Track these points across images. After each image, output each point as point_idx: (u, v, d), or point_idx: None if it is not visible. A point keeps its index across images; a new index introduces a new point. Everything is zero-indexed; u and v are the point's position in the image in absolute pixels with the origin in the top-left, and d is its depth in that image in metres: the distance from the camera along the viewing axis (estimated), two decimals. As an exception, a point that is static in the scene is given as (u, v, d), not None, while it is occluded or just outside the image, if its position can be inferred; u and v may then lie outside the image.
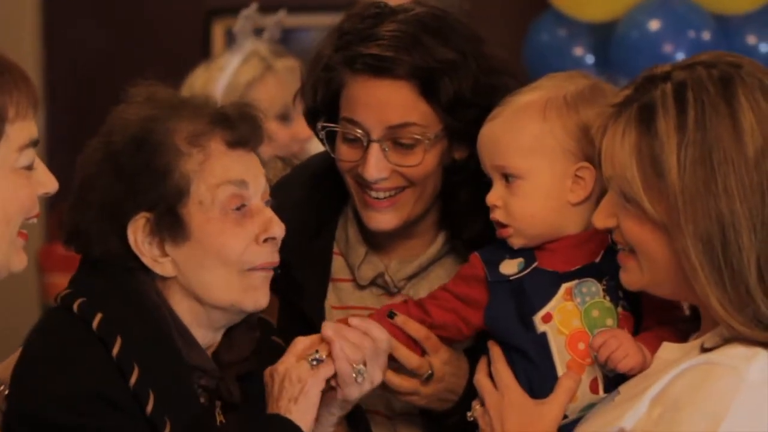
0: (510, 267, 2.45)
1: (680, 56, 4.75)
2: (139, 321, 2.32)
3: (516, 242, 2.45)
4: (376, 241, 2.70)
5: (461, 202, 2.64)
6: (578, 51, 5.27)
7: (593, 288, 2.39)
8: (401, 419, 2.68)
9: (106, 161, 2.35)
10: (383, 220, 2.61)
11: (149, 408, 2.26)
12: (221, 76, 4.19)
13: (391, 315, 2.50)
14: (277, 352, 2.48)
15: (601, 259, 2.41)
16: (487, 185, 2.49)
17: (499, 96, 2.52)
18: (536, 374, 2.38)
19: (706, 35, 5.02)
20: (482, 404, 2.44)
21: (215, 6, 6.28)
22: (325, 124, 2.63)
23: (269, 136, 2.47)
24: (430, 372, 2.51)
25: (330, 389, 2.34)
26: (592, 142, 2.31)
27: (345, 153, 2.61)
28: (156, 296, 2.36)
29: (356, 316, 2.48)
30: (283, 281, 2.52)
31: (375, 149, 2.56)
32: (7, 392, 2.34)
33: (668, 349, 2.27)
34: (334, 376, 2.32)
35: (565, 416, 2.36)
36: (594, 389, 2.36)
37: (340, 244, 2.73)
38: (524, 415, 2.37)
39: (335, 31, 2.62)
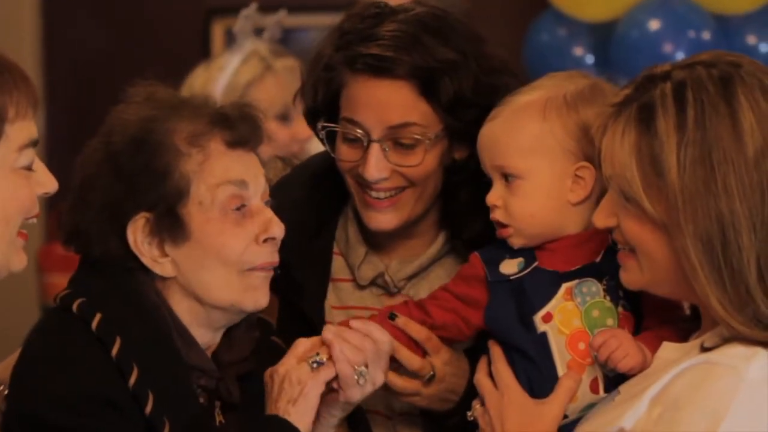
0: (510, 267, 2.45)
1: (680, 56, 4.74)
2: (138, 321, 2.32)
3: (516, 242, 2.45)
4: (377, 241, 2.70)
5: (461, 202, 2.64)
6: (578, 51, 5.27)
7: (593, 288, 2.39)
8: (401, 419, 2.68)
9: (106, 161, 2.35)
10: (383, 220, 2.61)
11: (148, 408, 2.26)
12: (221, 76, 4.19)
13: (392, 316, 2.50)
14: (277, 353, 2.48)
15: (601, 259, 2.41)
16: (487, 185, 2.49)
17: (499, 96, 2.52)
18: (536, 374, 2.38)
19: (706, 35, 5.01)
20: (482, 404, 2.44)
21: (215, 6, 6.28)
22: (326, 124, 2.63)
23: (269, 136, 2.47)
24: (431, 373, 2.51)
25: (332, 391, 2.34)
26: (592, 142, 2.31)
27: (345, 153, 2.61)
28: (155, 296, 2.36)
29: (357, 318, 2.48)
30: (283, 281, 2.52)
31: (375, 149, 2.56)
32: (6, 392, 2.34)
33: (668, 349, 2.27)
34: (336, 378, 2.32)
35: (566, 416, 2.36)
36: (594, 389, 2.36)
37: (340, 244, 2.73)
38: (524, 414, 2.37)
39: (335, 30, 2.62)
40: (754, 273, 2.14)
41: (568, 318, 2.38)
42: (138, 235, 2.34)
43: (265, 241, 2.38)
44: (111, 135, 2.37)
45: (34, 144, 2.24)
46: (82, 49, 6.46)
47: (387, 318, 2.50)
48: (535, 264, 2.43)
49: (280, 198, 2.48)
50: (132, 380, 2.26)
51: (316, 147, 2.83)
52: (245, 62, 4.20)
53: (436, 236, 2.70)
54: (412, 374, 2.51)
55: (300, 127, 4.00)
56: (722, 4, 5.10)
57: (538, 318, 2.39)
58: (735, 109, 2.16)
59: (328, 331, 2.34)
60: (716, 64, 2.21)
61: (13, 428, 2.29)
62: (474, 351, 2.53)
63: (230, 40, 5.69)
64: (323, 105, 2.63)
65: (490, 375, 2.44)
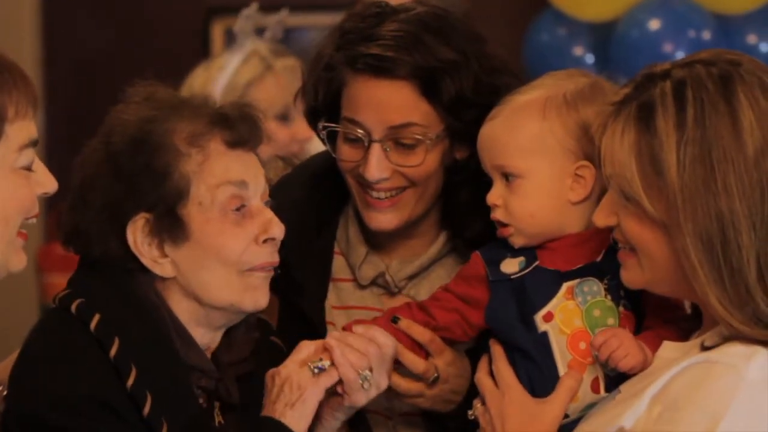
0: (511, 266, 2.44)
1: (680, 56, 4.73)
2: (137, 322, 2.32)
3: (517, 241, 2.45)
4: (377, 241, 2.70)
5: (462, 201, 2.64)
6: (578, 50, 5.27)
7: (594, 287, 2.39)
8: (401, 419, 2.67)
9: (106, 162, 2.35)
10: (384, 220, 2.61)
11: (146, 409, 2.26)
12: (221, 76, 4.19)
13: (395, 319, 2.50)
14: (276, 353, 2.49)
15: (602, 258, 2.41)
16: (488, 185, 2.48)
17: (500, 96, 2.52)
18: (537, 373, 2.38)
19: (707, 35, 5.01)
20: (483, 403, 2.43)
21: (215, 5, 6.28)
22: (326, 124, 2.62)
23: (269, 136, 2.47)
24: (436, 375, 2.51)
25: (335, 395, 2.35)
26: (592, 141, 2.31)
27: (346, 153, 2.61)
28: (155, 297, 2.36)
29: (360, 322, 2.49)
30: (283, 281, 2.52)
31: (376, 149, 2.56)
32: (5, 393, 2.33)
33: (669, 348, 2.27)
34: (340, 382, 2.32)
35: (566, 416, 2.36)
36: (595, 389, 2.36)
37: (341, 243, 2.73)
38: (525, 413, 2.36)
39: (336, 30, 2.62)
40: (754, 272, 2.14)
41: (569, 317, 2.38)
42: (138, 235, 2.33)
43: (264, 241, 2.38)
44: (111, 135, 2.37)
45: (33, 144, 2.24)
46: (82, 48, 6.46)
47: (390, 321, 2.49)
48: (536, 263, 2.43)
49: (280, 198, 2.48)
50: (130, 381, 2.26)
51: (316, 147, 2.83)
52: (245, 62, 4.19)
53: (436, 236, 2.70)
54: (416, 376, 2.51)
55: (300, 127, 4.00)
56: (722, 4, 5.10)
57: (539, 317, 2.38)
58: (735, 108, 2.16)
59: (332, 337, 2.35)
60: (716, 63, 2.21)
61: (12, 429, 2.29)
62: (475, 351, 2.53)
63: (230, 39, 5.69)
64: (324, 105, 2.63)
65: (491, 374, 2.43)
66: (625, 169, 2.20)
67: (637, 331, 2.37)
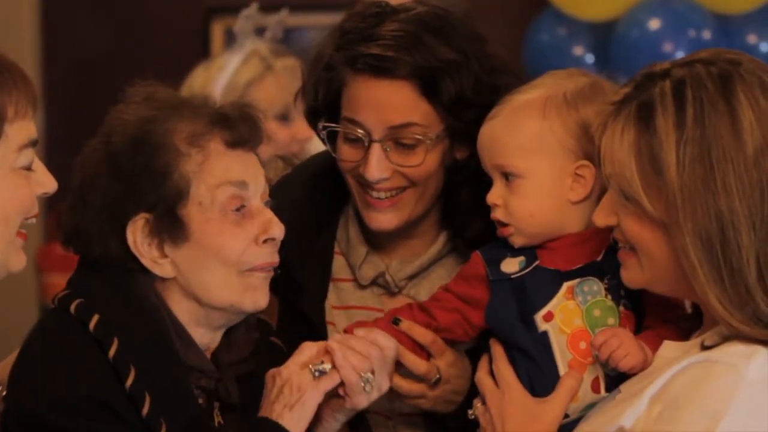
0: (511, 265, 2.44)
1: (680, 55, 4.73)
2: (136, 322, 2.32)
3: (517, 241, 2.45)
4: (377, 241, 2.70)
5: (462, 201, 2.64)
6: (578, 50, 5.27)
7: (595, 287, 2.39)
8: (401, 420, 2.67)
9: (106, 162, 2.35)
10: (384, 220, 2.61)
11: (145, 410, 2.26)
12: (221, 76, 4.19)
13: (396, 321, 2.49)
14: (276, 353, 2.49)
15: (602, 258, 2.40)
16: (488, 184, 2.48)
17: (500, 95, 2.51)
18: (538, 373, 2.38)
19: (707, 34, 5.01)
20: (483, 402, 2.43)
21: (214, 5, 6.28)
22: (327, 124, 2.62)
23: (268, 136, 2.47)
24: (438, 376, 2.51)
25: (337, 396, 2.35)
26: (592, 140, 2.31)
27: (346, 153, 2.61)
28: (154, 297, 2.36)
29: (361, 324, 2.49)
30: (283, 281, 2.52)
31: (376, 149, 2.56)
32: (5, 393, 2.33)
33: (669, 348, 2.27)
34: (342, 384, 2.32)
35: (567, 415, 2.36)
36: (596, 388, 2.36)
37: (341, 243, 2.73)
38: (525, 413, 2.36)
39: (336, 30, 2.62)
40: (754, 271, 2.14)
41: (569, 317, 2.38)
42: (137, 235, 2.33)
43: (264, 241, 2.37)
44: (111, 135, 2.37)
45: (33, 144, 2.24)
46: (82, 48, 6.46)
47: (391, 323, 2.49)
48: (537, 263, 2.43)
49: (280, 198, 2.48)
50: (129, 382, 2.26)
51: (316, 147, 2.83)
52: (245, 62, 4.19)
53: (437, 236, 2.70)
54: (417, 377, 2.51)
55: (300, 127, 4.00)
56: (722, 4, 5.10)
57: (539, 317, 2.38)
58: (734, 107, 2.16)
59: (334, 339, 2.35)
60: (715, 62, 2.21)
61: (11, 429, 2.29)
62: (475, 351, 2.53)
63: (230, 39, 5.69)
64: (324, 105, 2.63)
65: (491, 374, 2.43)
66: (624, 168, 2.20)
67: (637, 330, 2.37)
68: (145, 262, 2.34)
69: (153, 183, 2.32)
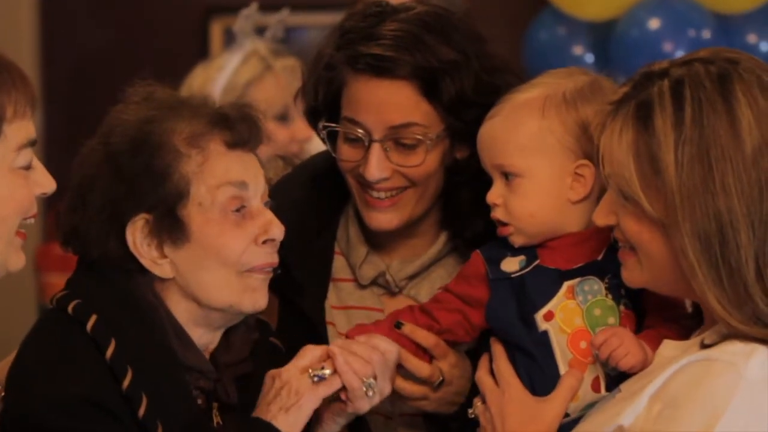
0: (511, 264, 2.44)
1: (680, 55, 4.73)
2: (134, 323, 2.32)
3: (517, 240, 2.45)
4: (378, 241, 2.70)
5: (463, 201, 2.64)
6: (578, 50, 5.26)
7: (595, 286, 2.39)
8: (401, 420, 2.67)
9: (106, 162, 2.34)
10: (384, 219, 2.61)
11: (141, 411, 2.25)
12: (220, 76, 4.19)
13: (398, 325, 2.49)
14: (276, 354, 2.49)
15: (603, 257, 2.40)
16: (488, 184, 2.48)
17: (501, 95, 2.51)
18: (538, 372, 2.38)
19: (706, 34, 5.01)
20: (483, 401, 2.43)
21: (213, 5, 6.27)
22: (327, 124, 2.62)
23: (268, 136, 2.47)
24: (441, 379, 2.51)
25: (338, 400, 2.35)
26: (592, 140, 2.31)
27: (346, 153, 2.60)
28: (153, 298, 2.35)
29: (361, 326, 2.50)
30: (283, 281, 2.51)
31: (376, 149, 2.55)
32: (3, 394, 2.33)
33: (669, 347, 2.27)
34: (344, 389, 2.32)
35: (567, 415, 2.36)
36: (596, 388, 2.36)
37: (341, 243, 2.73)
38: (525, 412, 2.36)
39: (337, 29, 2.61)
40: (753, 271, 2.14)
41: (569, 316, 2.38)
42: (137, 236, 2.33)
43: (264, 242, 2.37)
44: (110, 136, 2.36)
45: (32, 144, 2.24)
46: (81, 48, 6.45)
47: (393, 326, 2.49)
48: (537, 262, 2.43)
49: (280, 198, 2.48)
50: (126, 383, 2.26)
51: (316, 147, 2.83)
52: (245, 62, 4.19)
53: (437, 236, 2.70)
54: (420, 379, 2.50)
55: (299, 127, 4.00)
56: (722, 3, 5.09)
57: (539, 316, 2.38)
58: (733, 107, 2.16)
59: (335, 344, 2.35)
60: (714, 61, 2.20)
61: (9, 431, 2.28)
62: (475, 352, 2.53)
63: (229, 39, 5.69)
64: (324, 104, 2.63)
65: (492, 373, 2.43)
66: (623, 168, 2.20)
67: (638, 330, 2.37)
68: (145, 262, 2.34)
69: (153, 184, 2.32)
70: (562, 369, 2.36)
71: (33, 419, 2.23)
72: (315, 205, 2.73)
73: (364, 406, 2.35)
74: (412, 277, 2.68)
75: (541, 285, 2.40)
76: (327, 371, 2.32)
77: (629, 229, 2.23)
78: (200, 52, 6.00)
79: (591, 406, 2.34)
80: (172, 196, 2.32)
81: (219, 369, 2.40)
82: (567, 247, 2.42)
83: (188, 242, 2.34)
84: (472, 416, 2.45)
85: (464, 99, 2.54)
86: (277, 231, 2.38)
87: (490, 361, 2.44)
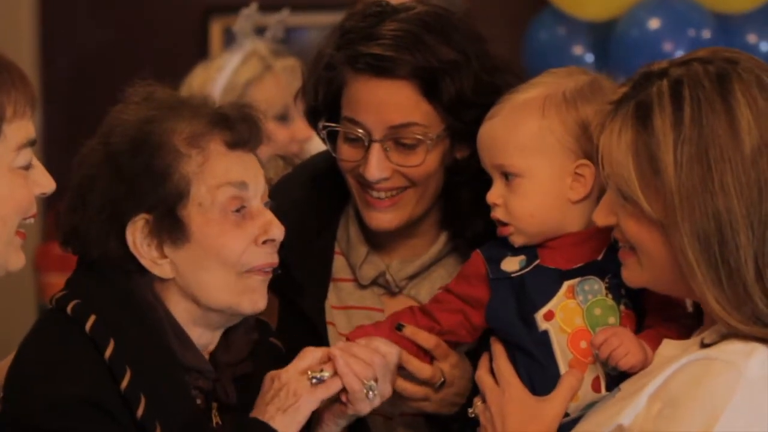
0: (512, 264, 2.44)
1: (680, 55, 4.73)
2: (133, 323, 2.32)
3: (517, 240, 2.45)
4: (378, 241, 2.70)
5: (463, 201, 2.64)
6: (578, 50, 5.26)
7: (595, 286, 2.39)
8: (401, 421, 2.67)
9: (106, 162, 2.34)
10: (384, 219, 2.61)
11: (140, 411, 2.25)
12: (220, 76, 4.19)
13: (400, 327, 2.49)
14: (275, 354, 2.49)
15: (603, 257, 2.40)
16: (489, 184, 2.48)
17: (501, 95, 2.51)
18: (538, 372, 2.38)
19: (706, 34, 5.00)
20: (483, 401, 2.43)
21: (213, 5, 6.27)
22: (327, 124, 2.62)
23: (268, 136, 2.46)
24: (442, 380, 2.51)
25: (338, 402, 2.35)
26: (592, 139, 2.30)
27: (346, 153, 2.60)
28: (152, 298, 2.35)
29: (362, 328, 2.50)
30: (283, 281, 2.51)
31: (376, 149, 2.55)
32: (1, 395, 2.33)
33: (669, 346, 2.27)
34: (344, 391, 2.32)
35: (567, 414, 2.35)
36: (596, 388, 2.36)
37: (342, 243, 2.73)
38: (525, 411, 2.36)
39: (337, 29, 2.61)
40: (752, 272, 2.14)
41: (569, 316, 2.38)
42: (137, 236, 2.33)
43: (264, 242, 2.37)
44: (110, 136, 2.36)
45: (31, 143, 2.24)
46: (80, 48, 6.45)
47: (394, 329, 2.49)
48: (537, 262, 2.43)
49: (280, 198, 2.48)
50: (124, 383, 2.25)
51: (315, 147, 2.83)
52: (244, 62, 4.19)
53: (437, 236, 2.70)
54: (422, 381, 2.50)
55: (299, 127, 4.00)
56: (722, 3, 5.09)
57: (539, 316, 2.38)
58: (732, 106, 2.15)
59: (337, 347, 2.35)
60: (713, 61, 2.20)
61: (8, 430, 2.28)
62: (476, 353, 2.53)
63: (228, 39, 5.68)
64: (324, 104, 2.63)
65: (492, 372, 2.43)
66: (622, 168, 2.20)
67: (638, 329, 2.37)
68: (145, 262, 2.34)
69: (153, 184, 2.31)
70: (563, 369, 2.36)
71: (31, 419, 2.23)
72: (315, 205, 2.73)
73: (364, 408, 2.35)
74: (412, 277, 2.68)
75: (542, 285, 2.40)
76: (326, 374, 2.32)
77: (629, 229, 2.23)
78: (200, 52, 6.00)
79: (591, 405, 2.34)
80: (172, 196, 2.32)
81: (218, 369, 2.40)
82: (567, 247, 2.42)
83: (188, 242, 2.33)
84: (472, 415, 2.45)
85: (464, 99, 2.54)
86: (277, 231, 2.38)
87: (490, 360, 2.44)
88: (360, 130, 2.56)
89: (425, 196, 2.61)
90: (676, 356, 2.21)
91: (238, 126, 2.38)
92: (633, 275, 2.28)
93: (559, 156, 2.42)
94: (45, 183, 2.26)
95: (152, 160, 2.32)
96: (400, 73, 2.52)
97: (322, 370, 2.32)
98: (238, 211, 2.35)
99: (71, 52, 6.47)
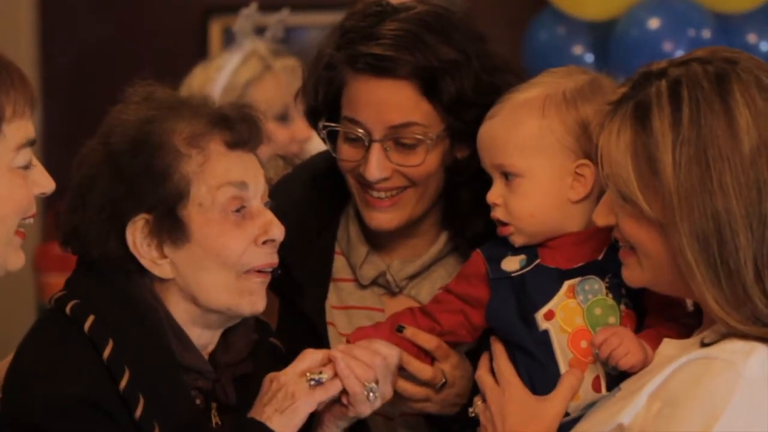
0: (512, 264, 2.44)
1: (680, 55, 4.73)
2: (133, 323, 2.32)
3: (517, 240, 2.45)
4: (378, 241, 2.70)
5: (463, 201, 2.64)
6: (577, 49, 5.26)
7: (596, 285, 2.39)
8: (401, 421, 2.67)
9: (106, 162, 2.34)
10: (385, 219, 2.61)
11: (138, 412, 2.25)
12: (219, 76, 4.19)
13: (400, 329, 2.49)
14: (275, 355, 2.49)
15: (603, 257, 2.40)
16: (489, 184, 2.48)
17: (501, 95, 2.51)
18: (538, 371, 2.38)
19: (706, 34, 5.01)
20: (483, 400, 2.43)
21: (213, 4, 6.27)
22: (327, 124, 2.62)
23: (268, 136, 2.46)
24: (444, 381, 2.50)
25: (339, 403, 2.35)
26: (592, 139, 2.30)
27: (346, 152, 2.60)
28: (152, 298, 2.35)
29: (362, 329, 2.49)
30: (283, 281, 2.51)
31: (376, 149, 2.55)
32: (0, 395, 2.33)
33: (669, 346, 2.27)
34: (345, 393, 2.32)
35: (567, 414, 2.35)
36: (596, 387, 2.36)
37: (342, 243, 2.73)
38: (525, 411, 2.36)
39: (337, 29, 2.61)
40: (751, 272, 2.14)
41: (570, 316, 2.38)
42: (137, 236, 2.33)
43: (264, 242, 2.37)
44: (110, 136, 2.36)
45: (31, 143, 2.24)
46: (80, 47, 6.45)
47: (395, 330, 2.49)
48: (538, 261, 2.43)
49: (280, 198, 2.48)
50: (123, 384, 2.25)
51: (315, 147, 2.83)
52: (244, 62, 4.19)
53: (437, 236, 2.69)
54: (423, 382, 2.50)
55: (299, 127, 4.00)
56: (722, 3, 5.09)
57: (539, 315, 2.38)
58: (730, 107, 2.15)
59: (337, 349, 2.35)
60: (712, 61, 2.20)
61: (7, 431, 2.27)
62: (476, 353, 2.53)
63: (228, 38, 5.68)
64: (324, 104, 2.62)
65: (492, 371, 2.43)
66: (621, 169, 2.20)
67: (638, 329, 2.37)
68: (144, 262, 2.34)
69: (153, 184, 2.31)
70: (563, 368, 2.36)
71: (30, 419, 2.23)
72: (315, 205, 2.73)
73: (365, 410, 2.35)
74: (412, 277, 2.68)
75: (542, 284, 2.40)
76: (324, 376, 2.32)
77: (628, 229, 2.23)
78: (200, 52, 6.00)
79: (591, 405, 2.34)
80: (172, 197, 2.32)
81: (218, 369, 2.39)
82: (567, 247, 2.42)
83: (188, 242, 2.33)
84: (473, 415, 2.45)
85: (464, 99, 2.54)
86: (277, 231, 2.38)
87: (491, 360, 2.44)
88: (360, 130, 2.56)
89: (425, 196, 2.61)
90: (676, 356, 2.21)
91: (238, 126, 2.38)
92: (633, 275, 2.28)
93: (559, 156, 2.42)
94: (44, 183, 2.26)
95: (152, 160, 2.31)
96: (401, 72, 2.52)
97: (320, 372, 2.32)
98: (238, 211, 2.35)
99: (71, 48, 6.47)
